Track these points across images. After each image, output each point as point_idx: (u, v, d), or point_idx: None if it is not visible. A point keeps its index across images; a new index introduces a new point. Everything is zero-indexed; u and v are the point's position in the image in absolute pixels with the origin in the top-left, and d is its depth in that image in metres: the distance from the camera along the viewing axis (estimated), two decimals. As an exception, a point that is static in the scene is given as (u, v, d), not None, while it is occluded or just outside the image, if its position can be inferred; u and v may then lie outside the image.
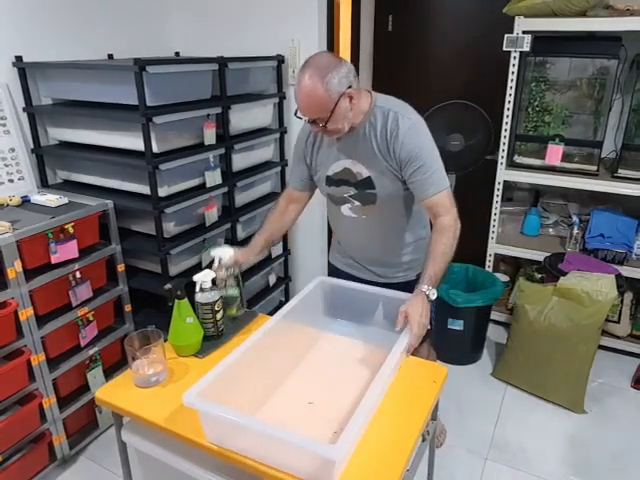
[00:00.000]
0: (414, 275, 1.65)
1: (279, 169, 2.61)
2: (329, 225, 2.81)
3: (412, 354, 1.38)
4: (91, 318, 1.91)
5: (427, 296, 1.36)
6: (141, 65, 1.74)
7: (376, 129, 1.42)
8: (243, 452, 1.05)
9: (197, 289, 1.40)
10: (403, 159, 1.40)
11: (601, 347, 2.39)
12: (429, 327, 1.71)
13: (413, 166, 1.40)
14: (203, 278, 1.39)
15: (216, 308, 1.41)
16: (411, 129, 1.40)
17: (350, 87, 1.34)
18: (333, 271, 1.80)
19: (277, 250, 2.69)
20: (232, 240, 2.39)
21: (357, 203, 1.53)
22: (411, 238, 1.63)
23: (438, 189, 1.42)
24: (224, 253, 1.48)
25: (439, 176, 1.42)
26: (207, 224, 2.20)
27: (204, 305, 1.40)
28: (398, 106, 1.44)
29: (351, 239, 1.67)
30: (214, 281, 1.44)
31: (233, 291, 1.52)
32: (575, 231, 2.54)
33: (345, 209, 1.57)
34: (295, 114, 1.40)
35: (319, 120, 1.36)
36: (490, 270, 2.69)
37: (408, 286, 1.57)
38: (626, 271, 2.37)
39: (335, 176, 1.52)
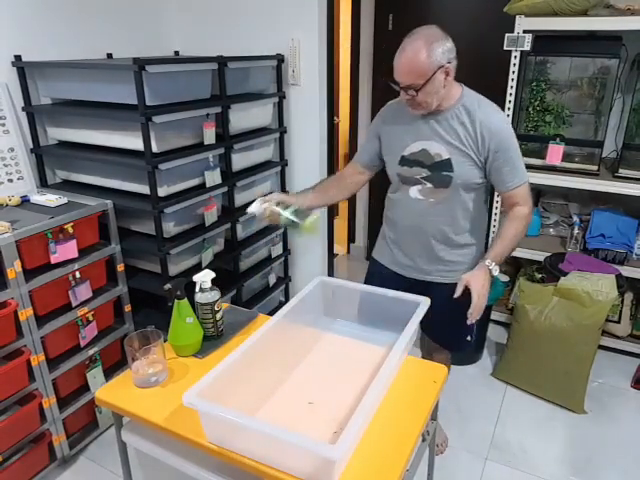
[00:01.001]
0: (455, 279, 1.58)
1: (279, 169, 2.61)
2: (331, 225, 2.84)
3: (432, 360, 1.40)
4: (91, 318, 1.91)
5: (490, 270, 1.44)
6: (140, 64, 1.74)
7: (466, 116, 1.47)
8: (243, 452, 1.05)
9: (197, 289, 1.40)
10: (492, 149, 1.46)
11: (601, 347, 2.39)
12: (469, 339, 1.73)
13: (502, 157, 1.46)
14: (203, 278, 1.39)
15: (216, 308, 1.41)
16: (502, 122, 1.48)
17: (449, 63, 1.39)
18: (374, 267, 1.80)
19: (277, 250, 2.69)
20: (232, 240, 2.39)
21: (429, 185, 1.54)
22: (468, 240, 1.64)
23: (521, 181, 1.50)
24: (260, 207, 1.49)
25: (522, 169, 1.51)
26: (207, 224, 2.19)
27: (204, 305, 1.40)
28: (487, 100, 1.51)
29: (410, 223, 1.65)
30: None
31: (286, 214, 1.48)
32: (576, 231, 2.54)
33: (414, 191, 1.58)
34: (389, 81, 1.44)
35: (412, 86, 1.39)
36: (490, 270, 2.68)
37: (445, 289, 1.58)
38: (626, 271, 2.37)
39: (411, 156, 1.54)
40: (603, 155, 2.46)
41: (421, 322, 1.34)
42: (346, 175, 1.74)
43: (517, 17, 2.24)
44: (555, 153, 2.38)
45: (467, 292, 1.42)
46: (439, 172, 1.51)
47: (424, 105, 1.44)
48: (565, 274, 2.22)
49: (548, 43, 2.36)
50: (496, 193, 2.31)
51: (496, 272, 1.45)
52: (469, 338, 1.77)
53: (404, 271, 1.71)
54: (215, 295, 1.41)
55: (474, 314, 1.39)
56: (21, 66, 2.02)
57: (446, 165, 1.50)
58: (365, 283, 1.79)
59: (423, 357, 1.94)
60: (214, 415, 1.02)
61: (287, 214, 1.48)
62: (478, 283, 1.40)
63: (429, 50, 1.35)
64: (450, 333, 1.78)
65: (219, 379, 1.11)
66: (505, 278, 2.81)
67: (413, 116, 1.53)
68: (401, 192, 1.62)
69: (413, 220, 1.63)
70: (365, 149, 1.71)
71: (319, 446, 0.95)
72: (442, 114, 1.49)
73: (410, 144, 1.54)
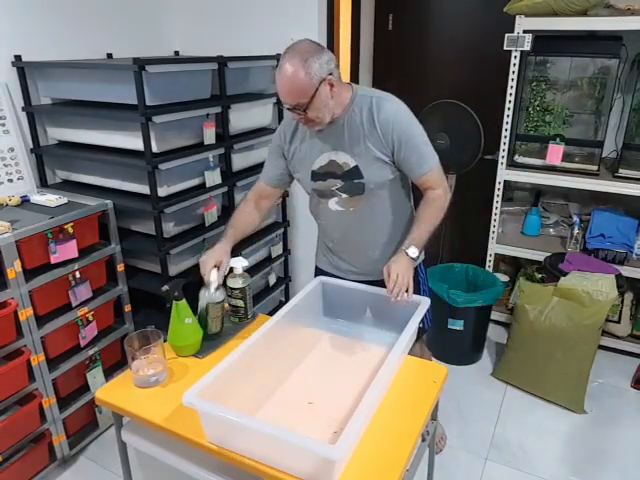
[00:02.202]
0: None
1: (279, 169, 2.61)
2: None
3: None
4: (91, 318, 1.91)
5: (407, 254, 1.40)
6: (140, 64, 1.74)
7: (362, 117, 1.43)
8: (243, 452, 1.05)
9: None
10: (395, 141, 1.42)
11: (601, 347, 2.39)
12: (422, 326, 1.72)
13: (407, 146, 1.43)
14: (235, 264, 1.49)
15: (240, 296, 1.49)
16: (399, 111, 1.44)
17: (331, 75, 1.35)
18: (319, 274, 1.77)
19: (277, 250, 2.69)
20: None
21: (344, 195, 1.52)
22: (397, 232, 1.61)
23: (431, 166, 1.47)
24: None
25: (430, 153, 1.48)
26: (207, 224, 2.20)
27: (235, 290, 1.48)
28: (379, 93, 1.47)
29: (339, 235, 1.64)
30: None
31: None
32: (576, 231, 2.54)
33: (332, 203, 1.56)
34: (277, 103, 1.40)
35: (299, 106, 1.35)
36: (490, 270, 2.68)
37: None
38: (626, 271, 2.37)
39: (321, 170, 1.52)
40: (603, 155, 2.45)
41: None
42: (253, 203, 1.64)
43: (517, 17, 2.24)
44: (555, 153, 2.38)
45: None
46: (351, 181, 1.49)
47: (317, 121, 1.39)
48: (565, 274, 2.22)
49: (548, 43, 2.36)
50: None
51: (414, 254, 1.40)
52: (421, 325, 1.75)
53: (345, 275, 1.69)
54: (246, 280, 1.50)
55: (394, 292, 1.33)
56: (21, 66, 2.02)
57: (355, 173, 1.47)
58: None
59: None
60: (214, 415, 1.02)
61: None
62: (396, 264, 1.36)
63: (306, 67, 1.30)
64: None
65: (219, 379, 1.11)
66: (505, 278, 2.82)
67: (311, 130, 1.49)
68: (322, 206, 1.59)
69: (341, 232, 1.62)
70: (271, 169, 1.63)
71: (319, 446, 0.95)
72: (338, 122, 1.45)
73: (316, 158, 1.51)
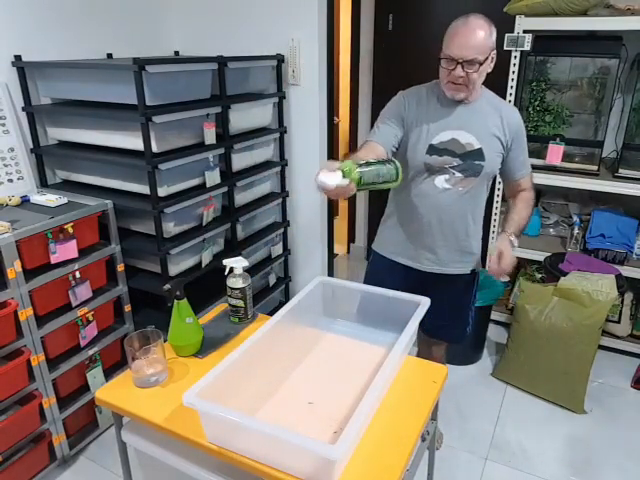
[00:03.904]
0: (469, 270, 1.71)
1: (279, 169, 2.61)
2: (330, 225, 2.83)
3: (426, 358, 1.42)
4: (91, 318, 1.91)
5: (511, 241, 1.53)
6: (140, 64, 1.74)
7: (490, 108, 1.54)
8: (243, 452, 1.05)
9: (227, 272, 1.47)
10: (514, 137, 1.56)
11: (601, 347, 2.39)
12: (468, 330, 1.82)
13: (519, 144, 1.58)
14: (235, 264, 1.49)
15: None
16: (519, 116, 1.59)
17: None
18: (380, 261, 1.76)
19: (277, 250, 2.69)
20: (232, 240, 2.39)
21: (458, 174, 1.54)
22: (479, 229, 1.69)
23: (529, 170, 1.65)
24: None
25: (529, 159, 1.66)
26: (207, 224, 2.19)
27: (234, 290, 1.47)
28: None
29: (434, 214, 1.60)
30: None
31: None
32: (575, 231, 2.54)
33: (440, 180, 1.56)
34: (441, 57, 1.45)
35: (474, 62, 1.39)
36: (490, 270, 2.68)
37: (459, 279, 1.68)
38: (626, 271, 2.37)
39: (440, 145, 1.53)
40: (603, 155, 2.46)
41: (423, 319, 1.34)
42: (369, 149, 1.49)
43: (517, 17, 2.24)
44: (555, 153, 2.38)
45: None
46: (471, 161, 1.52)
47: (470, 87, 1.45)
48: (565, 274, 2.22)
49: (548, 43, 2.36)
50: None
51: (516, 244, 1.54)
52: (468, 329, 1.82)
53: (416, 263, 1.68)
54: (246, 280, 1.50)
55: (501, 269, 1.49)
56: (21, 66, 2.02)
57: (478, 154, 1.52)
58: (367, 277, 1.79)
59: (419, 353, 1.95)
60: (214, 415, 1.02)
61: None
62: (508, 249, 1.51)
63: (490, 30, 1.40)
64: (454, 325, 1.81)
65: (219, 379, 1.11)
66: (505, 278, 2.82)
67: (438, 105, 1.54)
68: (425, 182, 1.57)
69: (438, 210, 1.59)
70: (383, 131, 1.54)
71: (319, 446, 0.95)
72: (470, 105, 1.52)
73: (439, 133, 1.52)
